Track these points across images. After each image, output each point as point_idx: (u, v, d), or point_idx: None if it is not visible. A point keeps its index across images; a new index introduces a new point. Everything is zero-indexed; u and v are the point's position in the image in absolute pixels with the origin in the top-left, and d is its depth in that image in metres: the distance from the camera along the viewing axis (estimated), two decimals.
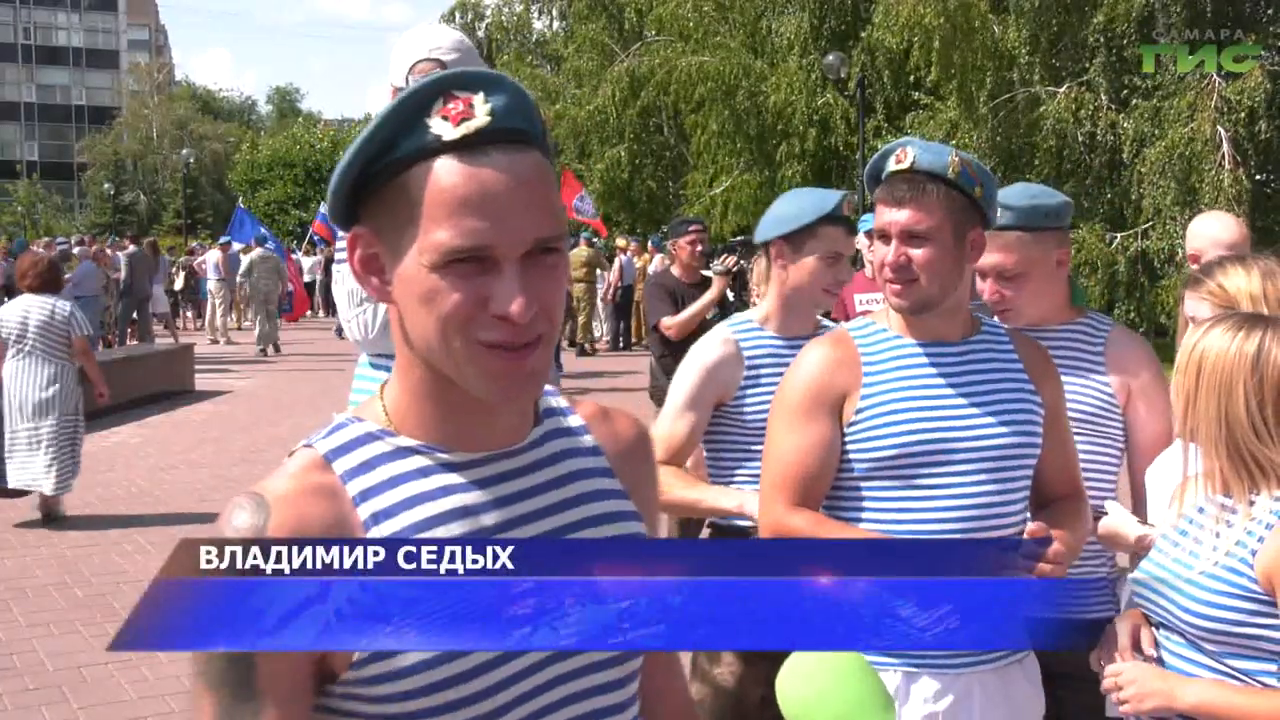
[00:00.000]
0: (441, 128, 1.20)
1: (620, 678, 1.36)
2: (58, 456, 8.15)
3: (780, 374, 3.15)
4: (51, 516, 8.33)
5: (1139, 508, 2.91)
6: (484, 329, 1.21)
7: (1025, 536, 2.29)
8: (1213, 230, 4.38)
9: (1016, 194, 2.94)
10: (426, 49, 2.94)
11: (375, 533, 1.24)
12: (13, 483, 8.12)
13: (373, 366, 2.98)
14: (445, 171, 1.19)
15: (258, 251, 21.75)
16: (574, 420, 1.43)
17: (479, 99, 1.21)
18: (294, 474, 1.28)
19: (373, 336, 2.84)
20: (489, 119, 1.20)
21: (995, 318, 2.90)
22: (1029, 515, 2.54)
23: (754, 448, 3.16)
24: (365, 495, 1.26)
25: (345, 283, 2.87)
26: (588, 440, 1.42)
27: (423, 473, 1.28)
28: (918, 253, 2.38)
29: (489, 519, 1.28)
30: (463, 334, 1.21)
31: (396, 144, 1.21)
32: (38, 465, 8.12)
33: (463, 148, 1.20)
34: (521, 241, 1.20)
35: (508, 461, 1.32)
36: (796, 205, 3.27)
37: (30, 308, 8.21)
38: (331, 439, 1.31)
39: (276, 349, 21.09)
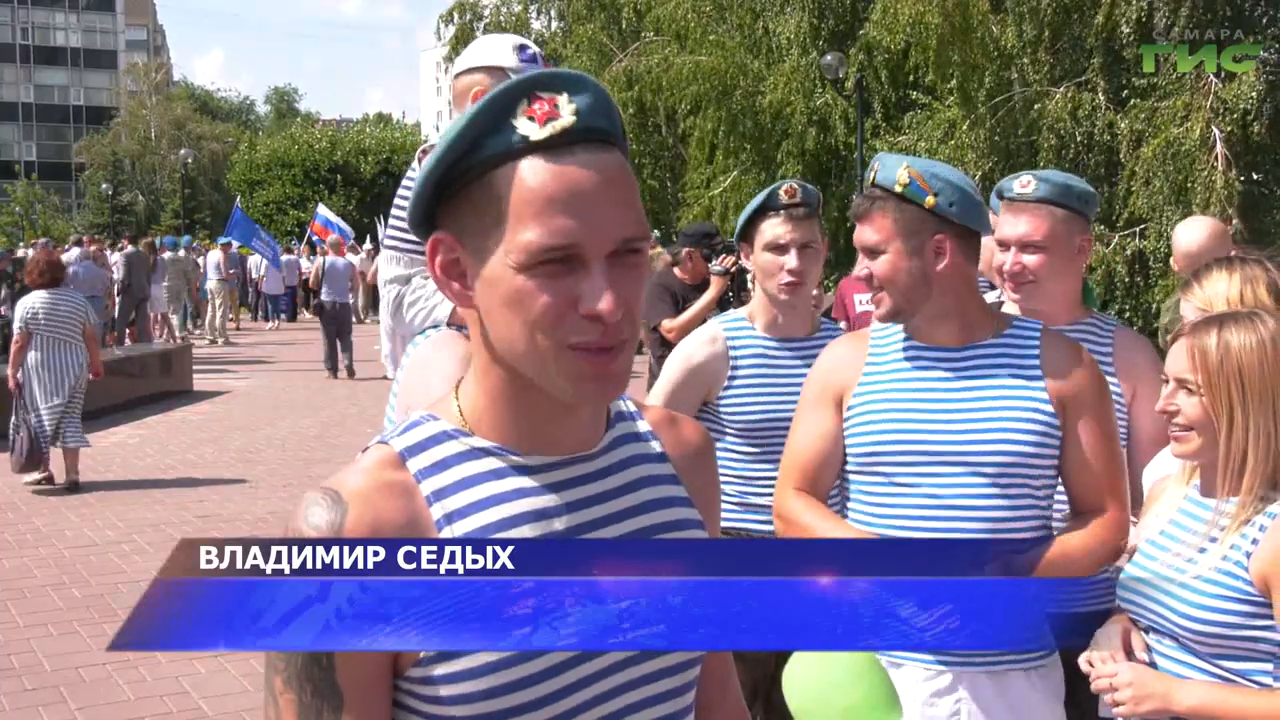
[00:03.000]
0: (528, 128, 1.20)
1: (680, 685, 1.35)
2: (73, 421, 9.50)
3: (764, 372, 3.20)
4: (75, 485, 9.50)
5: (1136, 504, 2.92)
6: (573, 331, 1.20)
7: None
8: (1181, 238, 4.38)
9: (1051, 173, 3.04)
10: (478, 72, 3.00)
11: (447, 533, 1.23)
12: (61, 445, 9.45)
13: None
14: (532, 171, 1.19)
15: (168, 253, 21.70)
16: (643, 425, 1.43)
17: (564, 99, 1.21)
18: (369, 469, 1.26)
19: (391, 319, 3.02)
20: (574, 119, 1.20)
21: (1014, 293, 2.95)
22: (1051, 523, 2.54)
23: (737, 447, 3.18)
24: (439, 495, 1.25)
25: (380, 269, 3.03)
26: (655, 446, 1.42)
27: (496, 475, 1.28)
28: (876, 265, 2.50)
29: (560, 523, 1.27)
30: (552, 336, 1.20)
31: (482, 144, 1.21)
32: (59, 430, 9.38)
33: (549, 147, 1.19)
34: (609, 240, 1.20)
35: (581, 466, 1.32)
36: (747, 206, 3.34)
37: (49, 300, 9.44)
38: (406, 436, 1.30)
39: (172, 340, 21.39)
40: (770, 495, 3.09)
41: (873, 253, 2.50)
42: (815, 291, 5.32)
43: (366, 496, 1.23)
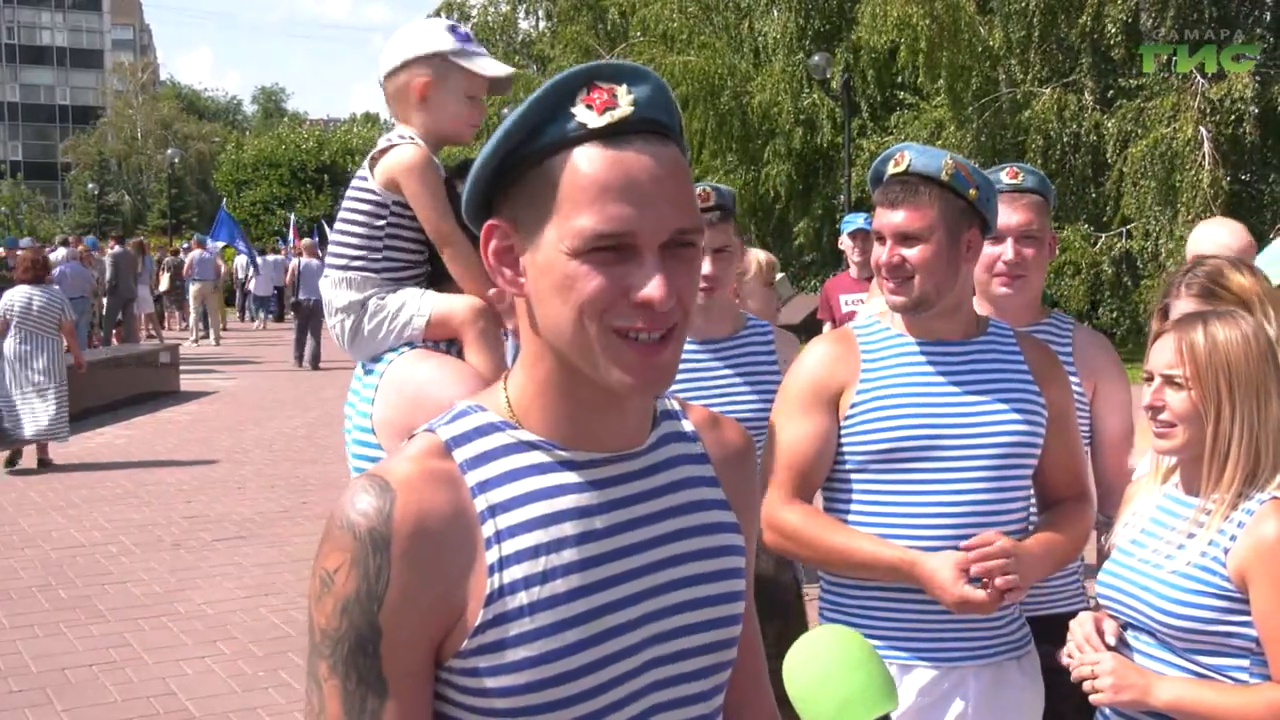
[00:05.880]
0: (586, 116, 1.20)
1: (708, 689, 1.36)
2: (59, 413, 10.41)
3: (692, 374, 3.17)
4: (45, 463, 10.52)
5: (1103, 501, 2.96)
6: (621, 316, 1.20)
7: (962, 547, 2.35)
8: (1220, 237, 4.31)
9: (1024, 164, 3.05)
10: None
11: (490, 526, 1.24)
12: (28, 435, 10.40)
13: (366, 372, 2.87)
14: (589, 158, 1.19)
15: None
16: (687, 425, 1.43)
17: (623, 90, 1.22)
18: (415, 457, 1.26)
19: (347, 347, 2.74)
20: (632, 109, 1.21)
21: (1004, 288, 2.93)
22: (1033, 515, 2.58)
23: None
24: (483, 487, 1.25)
25: (325, 293, 2.76)
26: (698, 447, 1.42)
27: (541, 469, 1.28)
28: (911, 253, 2.44)
29: (601, 521, 1.28)
30: (599, 321, 1.20)
31: (541, 132, 1.22)
32: (42, 420, 10.33)
33: (606, 136, 1.20)
34: (663, 229, 1.20)
35: (626, 464, 1.32)
36: None
37: (31, 295, 10.41)
38: (453, 426, 1.30)
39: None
40: None
41: (909, 239, 2.44)
42: (769, 290, 5.34)
43: (414, 484, 1.23)
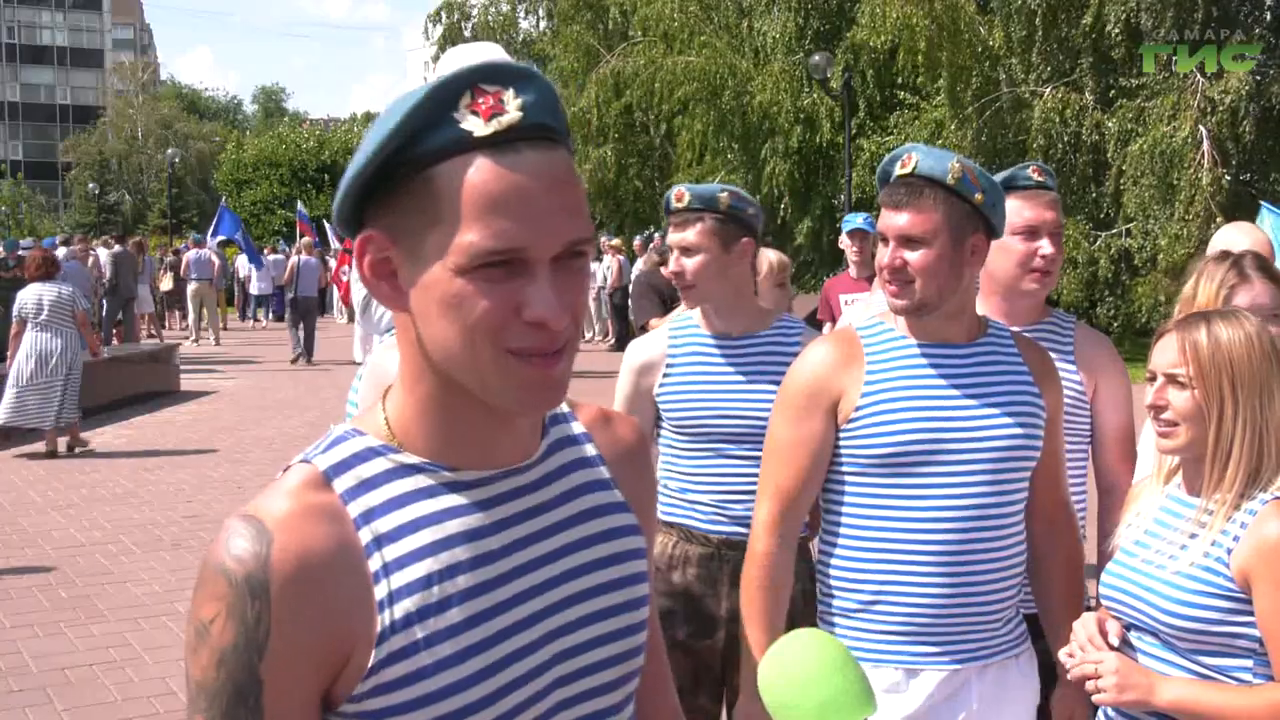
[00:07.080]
0: (472, 123, 1.12)
1: (619, 701, 1.33)
2: (67, 401, 10.92)
3: (699, 368, 3.19)
4: (74, 448, 11.15)
5: (1104, 498, 2.98)
6: (514, 337, 1.13)
7: None
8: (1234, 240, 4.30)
9: (1045, 167, 3.07)
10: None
11: (376, 559, 1.17)
12: (30, 424, 10.92)
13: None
14: (476, 170, 1.11)
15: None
16: (577, 427, 1.37)
17: (509, 94, 1.14)
18: (292, 492, 1.18)
19: (359, 315, 2.87)
20: (520, 115, 1.13)
21: (1037, 284, 2.94)
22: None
23: (676, 441, 3.22)
24: (367, 517, 1.18)
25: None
26: (589, 449, 1.36)
27: (427, 493, 1.21)
28: (914, 256, 2.41)
29: (495, 542, 1.22)
30: (492, 343, 1.13)
31: (421, 139, 1.13)
32: (52, 408, 10.81)
33: (493, 145, 1.12)
34: (555, 243, 1.13)
35: (516, 478, 1.26)
36: None
37: (43, 292, 10.90)
38: (330, 454, 1.22)
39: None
40: (710, 492, 3.14)
41: (912, 242, 2.41)
42: (783, 290, 5.31)
43: (292, 523, 1.15)
